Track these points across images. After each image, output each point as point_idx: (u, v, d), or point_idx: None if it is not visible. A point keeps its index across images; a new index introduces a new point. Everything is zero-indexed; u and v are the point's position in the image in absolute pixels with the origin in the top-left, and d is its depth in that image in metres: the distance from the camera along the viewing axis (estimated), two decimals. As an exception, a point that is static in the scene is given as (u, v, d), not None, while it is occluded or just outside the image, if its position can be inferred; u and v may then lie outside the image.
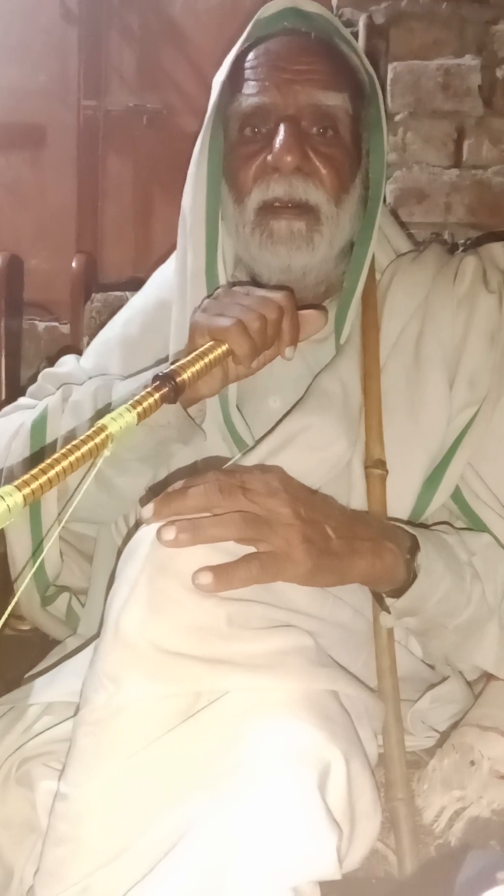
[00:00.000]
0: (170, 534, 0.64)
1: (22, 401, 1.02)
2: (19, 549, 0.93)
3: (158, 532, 0.64)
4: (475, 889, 0.42)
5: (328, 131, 0.88)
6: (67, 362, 1.05)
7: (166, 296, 1.00)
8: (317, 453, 0.83)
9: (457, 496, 0.87)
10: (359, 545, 0.71)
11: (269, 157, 0.86)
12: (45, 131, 1.78)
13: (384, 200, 0.99)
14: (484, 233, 1.49)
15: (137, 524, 0.76)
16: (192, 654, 0.63)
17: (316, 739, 0.61)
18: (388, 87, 1.52)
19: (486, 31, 1.50)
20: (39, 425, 0.93)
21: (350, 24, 1.54)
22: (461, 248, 1.45)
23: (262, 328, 0.77)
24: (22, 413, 0.98)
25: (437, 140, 1.52)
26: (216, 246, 0.91)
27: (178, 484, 0.68)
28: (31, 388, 1.04)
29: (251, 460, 0.82)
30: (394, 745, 0.77)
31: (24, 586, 0.91)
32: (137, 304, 1.07)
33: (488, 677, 0.87)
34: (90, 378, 1.00)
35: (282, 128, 0.86)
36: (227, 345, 0.76)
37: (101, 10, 1.72)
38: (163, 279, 1.06)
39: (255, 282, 0.94)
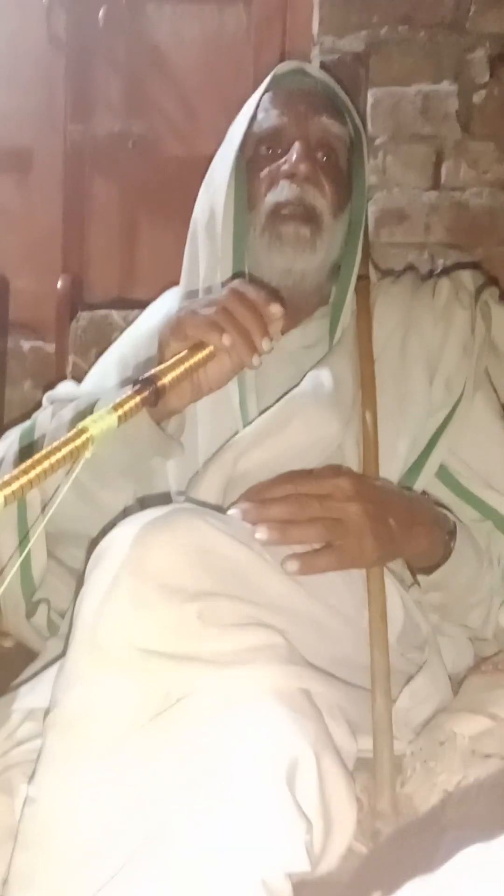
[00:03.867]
0: (263, 534, 0.73)
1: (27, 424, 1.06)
2: (6, 554, 0.93)
3: (257, 531, 0.72)
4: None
5: (331, 156, 1.03)
6: (66, 384, 1.13)
7: (156, 327, 1.05)
8: (312, 433, 0.92)
9: (449, 480, 0.99)
10: (415, 530, 0.83)
11: (285, 166, 1.00)
12: (33, 155, 1.80)
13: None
14: (458, 261, 1.53)
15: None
16: (162, 651, 0.64)
17: (284, 734, 0.62)
18: (369, 113, 1.56)
19: (463, 59, 1.54)
20: (28, 433, 0.99)
21: (332, 51, 1.58)
22: (438, 271, 1.50)
23: (227, 317, 0.80)
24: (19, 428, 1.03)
25: (416, 163, 1.56)
26: (242, 251, 1.01)
27: (262, 486, 0.77)
28: (35, 413, 1.08)
29: (250, 437, 0.90)
30: (383, 747, 0.77)
31: (9, 578, 0.92)
32: (132, 331, 1.15)
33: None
34: None
35: (297, 144, 1.01)
36: (207, 348, 0.78)
37: (88, 37, 1.75)
38: (156, 311, 1.14)
39: None
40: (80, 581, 0.98)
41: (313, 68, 1.13)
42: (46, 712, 0.69)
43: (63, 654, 0.83)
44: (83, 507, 0.91)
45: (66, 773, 0.64)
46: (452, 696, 0.88)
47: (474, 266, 1.39)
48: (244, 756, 0.60)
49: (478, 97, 1.54)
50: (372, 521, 0.77)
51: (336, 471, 0.82)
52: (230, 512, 0.75)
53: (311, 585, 0.75)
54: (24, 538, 0.92)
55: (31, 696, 0.81)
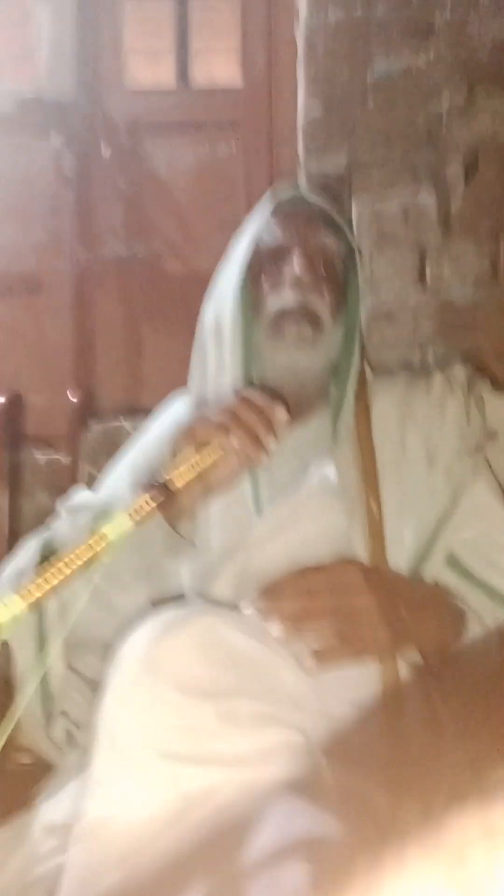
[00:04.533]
0: (278, 630, 0.76)
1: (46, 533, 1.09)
2: (24, 664, 0.94)
3: (271, 627, 0.75)
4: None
5: (329, 269, 1.11)
6: (81, 493, 1.17)
7: (166, 432, 1.11)
8: (320, 525, 0.95)
9: (456, 566, 1.00)
10: (423, 615, 0.86)
11: (290, 274, 1.08)
12: (44, 280, 1.92)
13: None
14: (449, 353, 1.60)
15: None
16: (180, 752, 0.65)
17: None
18: (354, 224, 1.67)
19: (438, 174, 1.66)
20: (48, 545, 1.01)
21: (316, 172, 1.70)
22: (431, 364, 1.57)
23: (235, 420, 0.85)
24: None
25: (400, 267, 1.65)
26: (249, 352, 1.07)
27: (274, 582, 0.80)
28: (52, 522, 1.11)
29: (262, 534, 0.94)
30: None
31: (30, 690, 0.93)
32: (142, 438, 1.20)
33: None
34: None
35: (300, 257, 1.09)
36: (216, 452, 0.83)
37: (94, 174, 1.91)
38: (164, 417, 1.19)
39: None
40: (98, 691, 0.99)
41: (310, 194, 1.24)
42: (70, 827, 0.69)
43: (84, 765, 0.84)
44: (99, 612, 0.93)
45: (89, 884, 0.63)
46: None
47: (465, 359, 1.46)
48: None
49: (455, 203, 1.65)
50: (383, 610, 0.80)
51: (346, 563, 0.85)
52: (244, 609, 0.77)
53: (326, 679, 0.77)
54: (41, 646, 0.93)
55: (51, 811, 0.80)
